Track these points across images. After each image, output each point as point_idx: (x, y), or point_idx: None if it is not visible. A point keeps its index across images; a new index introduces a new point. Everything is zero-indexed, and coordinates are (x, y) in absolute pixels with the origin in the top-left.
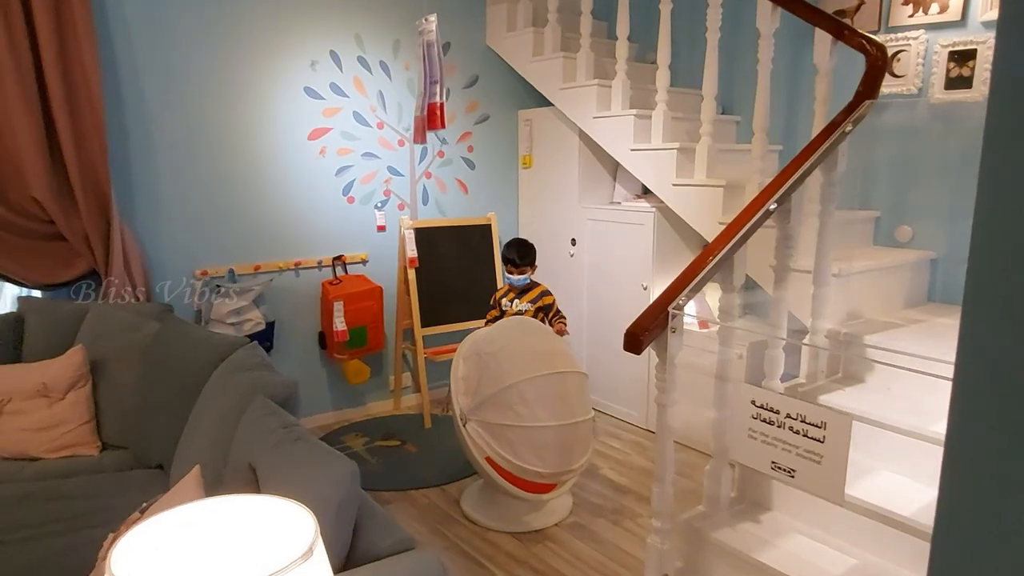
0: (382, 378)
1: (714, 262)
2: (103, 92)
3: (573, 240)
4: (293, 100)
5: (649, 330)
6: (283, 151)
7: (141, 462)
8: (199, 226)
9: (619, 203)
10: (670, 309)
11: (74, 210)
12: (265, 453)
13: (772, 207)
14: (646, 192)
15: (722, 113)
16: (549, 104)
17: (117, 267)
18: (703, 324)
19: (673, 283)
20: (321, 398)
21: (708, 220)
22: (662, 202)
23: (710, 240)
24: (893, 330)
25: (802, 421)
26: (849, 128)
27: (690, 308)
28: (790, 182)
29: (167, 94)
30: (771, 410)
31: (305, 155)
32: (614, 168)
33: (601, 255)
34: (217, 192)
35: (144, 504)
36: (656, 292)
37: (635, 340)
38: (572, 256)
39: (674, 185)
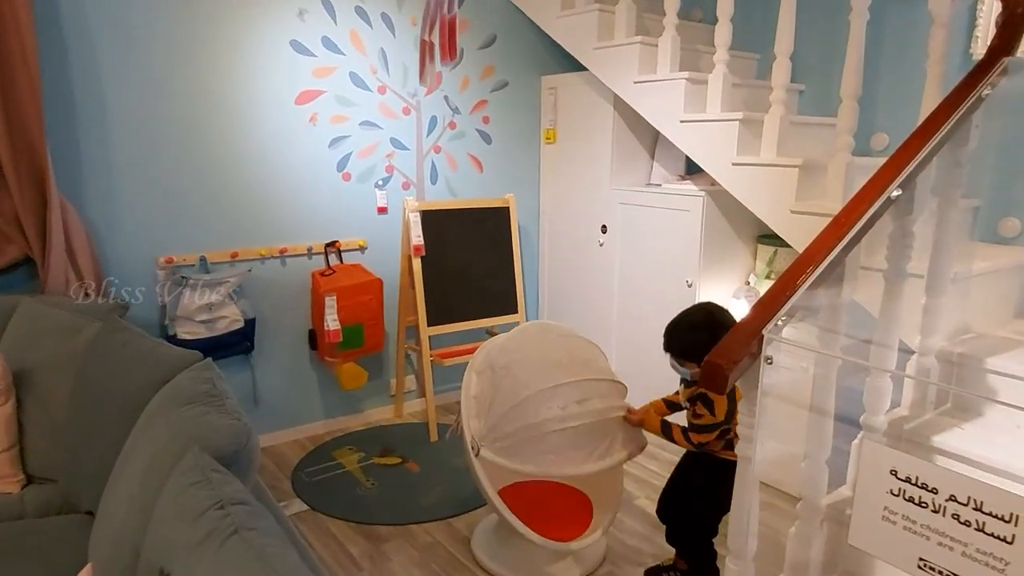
0: (382, 381)
1: (824, 266)
2: (39, 41)
3: (603, 227)
4: (277, 56)
5: (737, 360)
6: (266, 117)
7: (69, 503)
8: (163, 205)
9: (658, 185)
10: (765, 333)
11: (1, 185)
12: (184, 554)
13: (895, 194)
14: (689, 172)
15: None
16: (578, 69)
17: (57, 253)
18: None
19: (766, 296)
20: (311, 405)
21: (777, 207)
22: (711, 184)
23: (779, 232)
24: (1017, 350)
25: (976, 509)
26: (987, 92)
27: (739, 306)
28: (916, 160)
29: (122, 45)
30: (923, 487)
31: (293, 122)
32: (652, 145)
33: (636, 245)
34: (185, 165)
35: None
36: (704, 290)
37: (718, 374)
38: (602, 245)
39: (734, 164)
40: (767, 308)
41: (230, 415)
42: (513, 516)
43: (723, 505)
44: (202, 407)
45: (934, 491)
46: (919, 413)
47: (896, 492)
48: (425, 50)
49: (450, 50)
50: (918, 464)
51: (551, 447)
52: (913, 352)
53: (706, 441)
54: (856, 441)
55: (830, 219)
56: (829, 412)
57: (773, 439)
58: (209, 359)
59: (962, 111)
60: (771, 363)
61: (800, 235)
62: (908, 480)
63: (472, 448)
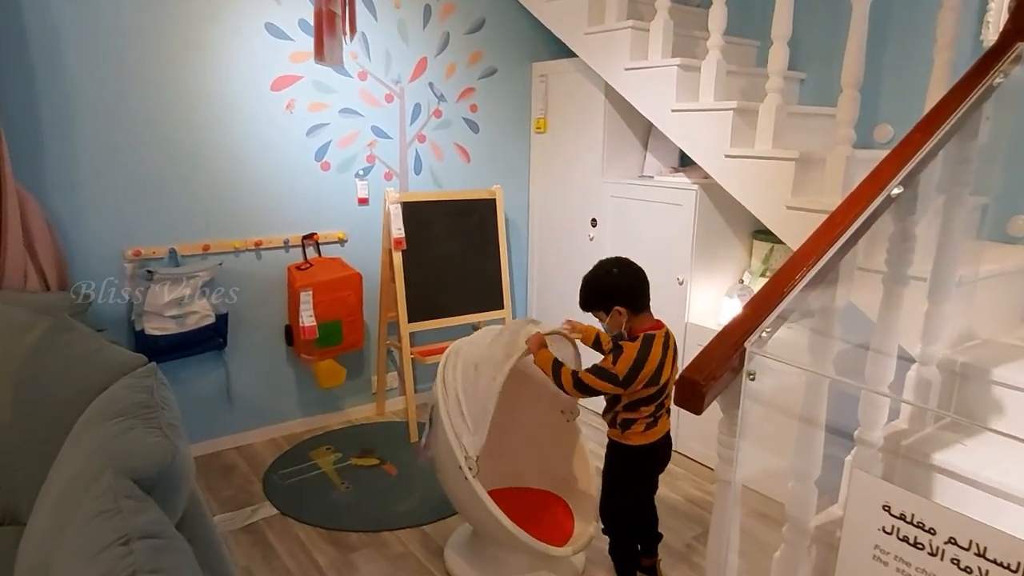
0: (364, 378)
1: (815, 271)
2: None
3: (594, 220)
4: (252, 40)
5: (716, 376)
6: (240, 103)
7: (10, 514)
8: (131, 195)
9: (651, 177)
10: (747, 346)
11: None
12: None
13: (896, 191)
14: (683, 165)
15: None
16: (569, 55)
17: (14, 246)
18: None
19: (750, 304)
20: (288, 403)
21: (772, 202)
22: (706, 177)
23: (773, 228)
24: None
25: (979, 554)
26: (999, 80)
27: (732, 305)
28: (920, 155)
29: (87, 26)
30: (919, 526)
31: (269, 109)
32: (645, 135)
33: (627, 240)
34: (155, 152)
35: None
36: (695, 288)
37: (694, 391)
38: (592, 240)
39: (728, 156)
40: (750, 318)
41: (160, 431)
42: (516, 526)
43: (616, 486)
44: (131, 420)
45: (932, 531)
46: (919, 427)
47: (889, 530)
48: (322, 21)
49: (350, 24)
50: (914, 500)
51: (486, 357)
52: (913, 361)
53: (592, 388)
54: (849, 457)
55: (828, 216)
56: (820, 426)
57: (759, 446)
58: (153, 364)
59: (971, 101)
60: (753, 379)
61: (796, 232)
62: (902, 518)
63: (469, 469)
